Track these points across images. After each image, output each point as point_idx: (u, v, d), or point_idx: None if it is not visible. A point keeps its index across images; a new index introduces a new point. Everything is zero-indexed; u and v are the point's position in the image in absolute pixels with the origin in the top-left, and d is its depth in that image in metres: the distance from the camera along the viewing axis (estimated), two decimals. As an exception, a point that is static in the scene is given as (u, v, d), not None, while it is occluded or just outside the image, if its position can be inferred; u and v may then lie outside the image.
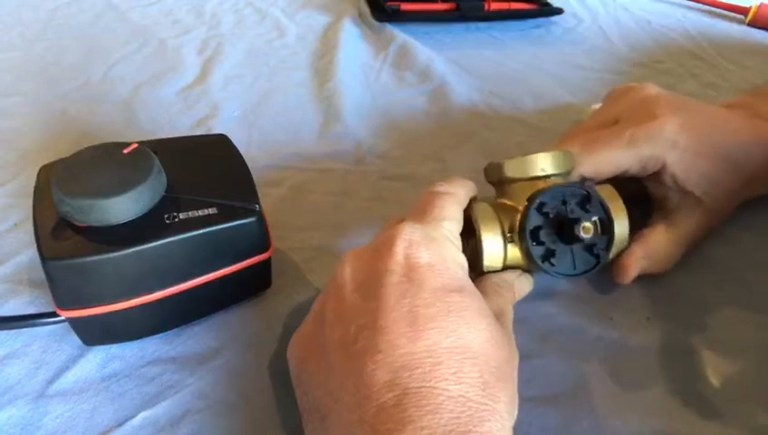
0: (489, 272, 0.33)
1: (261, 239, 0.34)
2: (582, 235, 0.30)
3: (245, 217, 0.33)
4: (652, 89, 0.40)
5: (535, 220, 0.32)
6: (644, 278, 0.38)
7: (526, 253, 0.32)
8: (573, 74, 0.61)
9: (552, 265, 0.32)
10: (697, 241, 0.39)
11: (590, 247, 0.32)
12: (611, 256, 0.34)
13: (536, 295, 0.37)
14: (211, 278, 0.33)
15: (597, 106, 0.52)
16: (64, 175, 0.31)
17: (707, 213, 0.38)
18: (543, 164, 0.34)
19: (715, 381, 0.34)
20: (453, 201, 0.32)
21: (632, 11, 0.75)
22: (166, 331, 0.35)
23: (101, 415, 0.31)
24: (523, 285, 0.34)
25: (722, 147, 0.38)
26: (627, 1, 0.78)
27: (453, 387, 0.24)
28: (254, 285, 0.37)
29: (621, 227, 0.34)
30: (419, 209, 0.31)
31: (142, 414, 0.31)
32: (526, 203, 0.32)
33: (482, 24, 0.69)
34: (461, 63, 0.62)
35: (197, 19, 0.69)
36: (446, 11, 0.68)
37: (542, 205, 0.32)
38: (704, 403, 0.32)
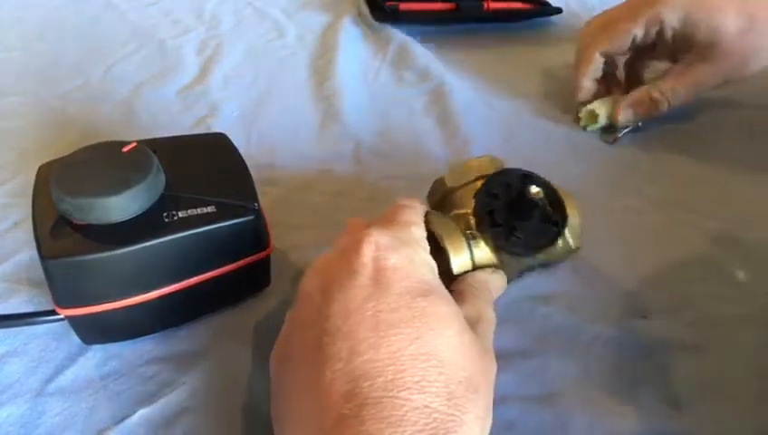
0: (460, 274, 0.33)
1: (260, 238, 0.34)
2: (533, 197, 0.32)
3: (244, 216, 0.33)
4: None
5: (487, 204, 0.33)
6: (642, 277, 0.38)
7: (491, 239, 0.33)
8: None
9: (519, 239, 0.33)
10: (706, 88, 0.49)
11: (546, 218, 0.33)
12: (573, 245, 0.35)
13: (533, 295, 0.37)
14: (210, 277, 0.33)
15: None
16: (63, 174, 0.31)
17: (715, 61, 0.46)
18: (479, 168, 0.36)
19: (713, 379, 0.34)
20: (417, 212, 0.32)
21: (631, 11, 0.75)
22: (164, 329, 0.35)
23: (99, 413, 0.31)
24: (497, 281, 0.33)
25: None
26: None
27: (416, 396, 0.22)
28: (252, 283, 0.37)
29: (574, 217, 0.35)
30: (386, 218, 0.31)
31: (140, 412, 0.31)
32: (474, 200, 0.34)
33: (481, 24, 0.69)
34: (460, 63, 0.62)
35: (197, 19, 0.69)
36: (445, 11, 0.68)
37: (488, 190, 0.34)
38: (702, 402, 0.32)
